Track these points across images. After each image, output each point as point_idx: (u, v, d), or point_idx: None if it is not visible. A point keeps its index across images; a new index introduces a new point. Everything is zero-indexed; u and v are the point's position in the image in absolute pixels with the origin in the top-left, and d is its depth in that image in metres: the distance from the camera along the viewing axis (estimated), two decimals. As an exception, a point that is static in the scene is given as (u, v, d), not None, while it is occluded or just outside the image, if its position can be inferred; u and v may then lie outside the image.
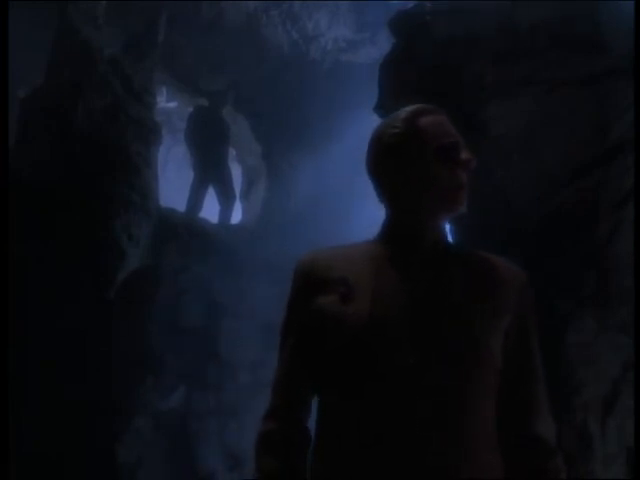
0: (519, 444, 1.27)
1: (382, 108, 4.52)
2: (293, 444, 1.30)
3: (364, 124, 6.57)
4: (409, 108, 1.38)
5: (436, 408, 1.18)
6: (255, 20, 7.31)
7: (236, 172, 8.35)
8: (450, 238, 1.42)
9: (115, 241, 5.17)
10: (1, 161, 2.44)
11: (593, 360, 2.56)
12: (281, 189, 7.84)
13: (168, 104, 9.62)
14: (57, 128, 5.10)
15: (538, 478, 1.25)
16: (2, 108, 2.64)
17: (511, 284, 1.30)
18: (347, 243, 1.47)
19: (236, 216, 8.01)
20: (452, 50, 3.49)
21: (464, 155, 1.31)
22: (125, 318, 5.51)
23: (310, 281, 1.35)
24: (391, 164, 1.35)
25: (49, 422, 4.85)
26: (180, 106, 9.39)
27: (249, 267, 6.60)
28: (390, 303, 1.24)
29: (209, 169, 7.43)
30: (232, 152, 8.37)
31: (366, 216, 7.58)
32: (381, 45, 6.99)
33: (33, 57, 5.77)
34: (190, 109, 8.06)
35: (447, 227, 1.43)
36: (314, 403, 1.36)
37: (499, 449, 1.25)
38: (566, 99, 2.85)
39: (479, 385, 1.22)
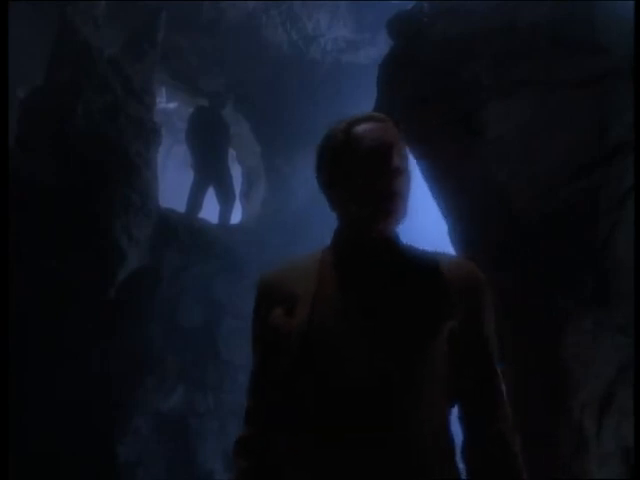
0: (481, 442, 1.30)
1: (381, 110, 4.52)
2: (265, 448, 1.35)
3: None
4: (348, 118, 1.40)
5: (374, 410, 1.22)
6: (255, 20, 7.32)
7: (236, 172, 8.36)
8: (400, 241, 1.42)
9: (115, 242, 5.18)
10: (1, 161, 2.40)
11: (590, 360, 2.56)
12: (281, 189, 7.85)
13: (168, 104, 9.64)
14: (56, 128, 5.10)
15: (497, 474, 1.27)
16: (2, 108, 2.63)
17: (457, 284, 1.32)
18: (305, 253, 1.50)
19: (236, 216, 8.01)
20: (450, 51, 3.49)
21: (395, 163, 1.31)
22: (125, 318, 5.52)
23: (264, 299, 1.42)
24: (330, 174, 1.38)
25: (49, 422, 4.86)
26: (180, 106, 9.41)
27: (249, 267, 6.60)
28: (330, 310, 1.29)
29: (209, 169, 7.44)
30: (232, 153, 8.38)
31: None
32: (381, 46, 6.99)
33: (33, 57, 5.79)
34: (190, 109, 8.08)
35: (396, 232, 1.41)
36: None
37: (450, 452, 1.30)
38: (565, 100, 2.86)
39: (420, 387, 1.25)
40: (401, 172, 1.31)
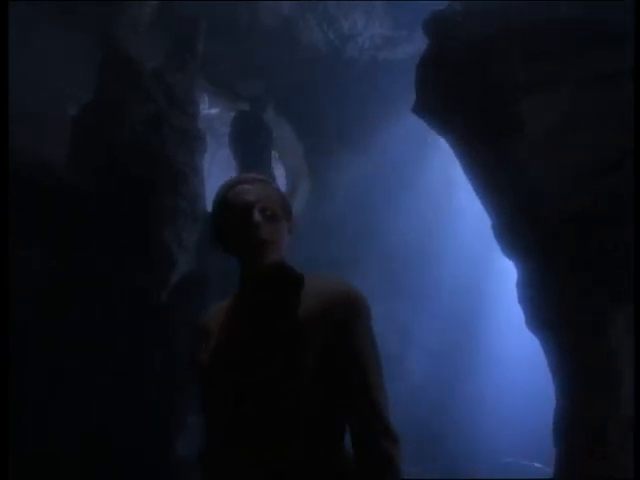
0: (362, 458, 1.46)
1: (419, 109, 4.56)
2: (213, 461, 1.60)
3: (402, 119, 6.63)
4: (228, 181, 1.65)
5: (259, 424, 1.46)
6: (291, 24, 7.42)
7: (279, 173, 8.49)
8: (284, 274, 1.60)
9: (167, 248, 5.36)
10: (1, 161, 2.52)
11: (628, 354, 2.56)
12: (324, 188, 7.93)
13: (210, 110, 9.84)
14: (106, 142, 5.31)
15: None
16: (2, 108, 2.72)
17: (327, 307, 1.49)
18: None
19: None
20: (484, 49, 3.51)
21: (256, 218, 1.54)
22: (178, 320, 5.70)
23: (197, 338, 1.69)
24: (217, 229, 1.64)
25: (111, 421, 5.08)
26: (222, 112, 9.60)
27: (293, 265, 6.72)
28: (227, 344, 1.56)
29: (253, 172, 7.58)
30: (275, 154, 8.52)
31: (406, 209, 7.62)
32: (418, 42, 6.98)
33: (81, 77, 6.03)
34: (231, 114, 8.26)
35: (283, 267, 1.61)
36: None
37: (330, 464, 1.50)
38: (597, 96, 2.85)
39: (298, 409, 1.46)
40: (262, 224, 1.54)
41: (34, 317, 4.66)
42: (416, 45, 7.17)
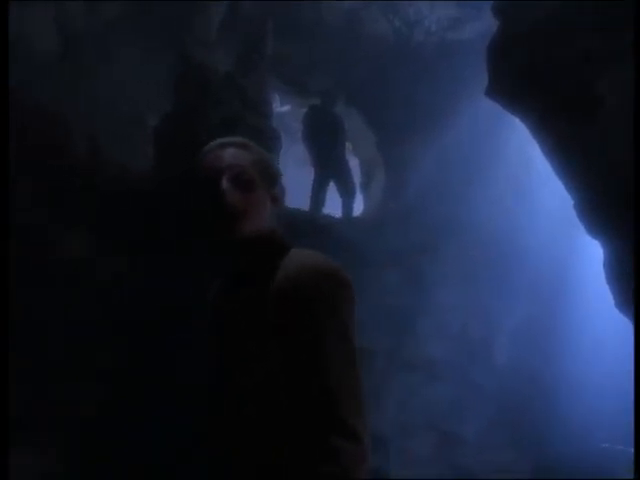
0: (315, 457, 1.26)
1: (493, 92, 4.50)
2: None
3: (476, 100, 6.52)
4: (205, 147, 1.52)
5: (242, 409, 1.39)
6: (355, 16, 7.46)
7: (354, 164, 8.55)
8: (260, 247, 1.49)
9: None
10: (1, 161, 2.50)
11: None
12: (399, 177, 7.93)
13: (282, 108, 10.02)
14: (186, 148, 5.56)
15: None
16: (2, 107, 2.67)
17: (289, 287, 1.36)
18: None
19: (357, 208, 8.20)
20: (558, 25, 3.42)
21: (224, 186, 1.41)
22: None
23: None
24: (186, 197, 1.57)
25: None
26: (293, 108, 9.76)
27: (373, 256, 6.79)
28: (216, 318, 1.54)
29: (328, 166, 7.69)
30: (349, 146, 8.58)
31: (484, 192, 7.50)
32: (486, 19, 6.83)
33: (160, 89, 6.34)
34: (303, 110, 8.36)
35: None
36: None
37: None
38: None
39: (263, 391, 1.36)
40: (234, 192, 1.41)
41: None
42: (484, 22, 7.03)
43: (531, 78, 3.87)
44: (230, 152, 1.48)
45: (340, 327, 1.35)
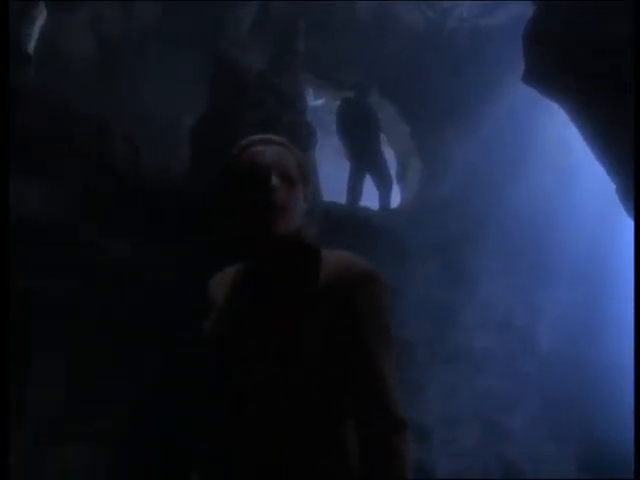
0: (363, 445, 1.32)
1: (530, 78, 4.43)
2: None
3: (512, 86, 6.43)
4: (243, 142, 1.53)
5: (265, 404, 1.35)
6: (386, 6, 7.42)
7: (389, 156, 8.52)
8: (292, 246, 1.49)
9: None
10: (1, 160, 2.52)
11: None
12: (436, 167, 7.88)
13: (315, 102, 10.04)
14: (223, 148, 5.64)
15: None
16: (2, 107, 2.68)
17: (332, 283, 1.38)
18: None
19: (395, 199, 8.18)
20: (595, 9, 3.36)
21: (273, 182, 1.41)
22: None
23: (207, 300, 1.60)
24: (227, 193, 1.52)
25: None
26: (327, 101, 9.78)
27: (412, 248, 6.77)
28: (228, 317, 1.47)
29: (364, 158, 7.68)
30: (383, 137, 8.56)
31: (526, 187, 7.40)
32: (519, 2, 6.72)
33: (195, 89, 6.43)
34: (336, 103, 8.37)
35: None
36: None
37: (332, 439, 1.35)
38: None
39: (296, 385, 1.34)
40: (277, 188, 1.42)
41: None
42: (516, 6, 6.94)
43: (569, 62, 3.80)
44: (275, 150, 1.50)
45: (384, 325, 1.40)
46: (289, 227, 1.44)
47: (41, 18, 5.84)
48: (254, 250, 1.49)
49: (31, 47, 5.70)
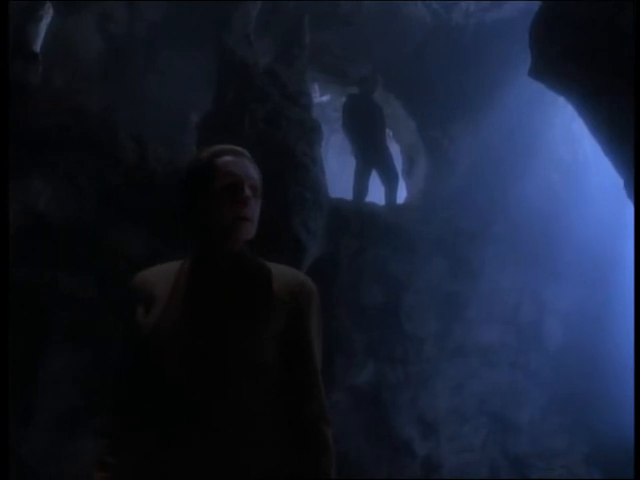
0: (294, 437, 1.49)
1: (537, 72, 4.42)
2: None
3: (518, 80, 6.41)
4: (211, 149, 1.60)
5: (207, 407, 1.42)
6: (393, 3, 7.40)
7: (395, 151, 8.51)
8: (247, 256, 1.61)
9: (296, 237, 5.62)
10: (1, 160, 2.54)
11: None
12: (441, 162, 7.87)
13: (322, 98, 10.04)
14: (229, 143, 5.65)
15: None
16: (2, 107, 2.72)
17: (282, 293, 1.52)
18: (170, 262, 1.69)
19: (401, 195, 8.18)
20: (599, 4, 3.34)
21: (246, 193, 1.51)
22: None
23: (133, 296, 1.60)
24: (192, 198, 1.57)
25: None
26: (333, 98, 9.77)
27: (419, 242, 6.77)
28: (176, 314, 1.49)
29: (369, 153, 7.67)
30: (389, 133, 8.55)
31: (533, 181, 7.37)
32: (526, -3, 6.70)
33: (201, 86, 6.45)
34: (342, 99, 8.36)
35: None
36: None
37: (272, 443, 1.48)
38: None
39: (242, 391, 1.45)
40: (250, 201, 1.52)
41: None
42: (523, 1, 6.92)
43: (575, 56, 3.79)
44: (245, 162, 1.60)
45: (320, 330, 1.60)
46: (250, 237, 1.57)
47: (48, 17, 5.88)
48: (212, 252, 1.57)
49: (38, 46, 5.73)
